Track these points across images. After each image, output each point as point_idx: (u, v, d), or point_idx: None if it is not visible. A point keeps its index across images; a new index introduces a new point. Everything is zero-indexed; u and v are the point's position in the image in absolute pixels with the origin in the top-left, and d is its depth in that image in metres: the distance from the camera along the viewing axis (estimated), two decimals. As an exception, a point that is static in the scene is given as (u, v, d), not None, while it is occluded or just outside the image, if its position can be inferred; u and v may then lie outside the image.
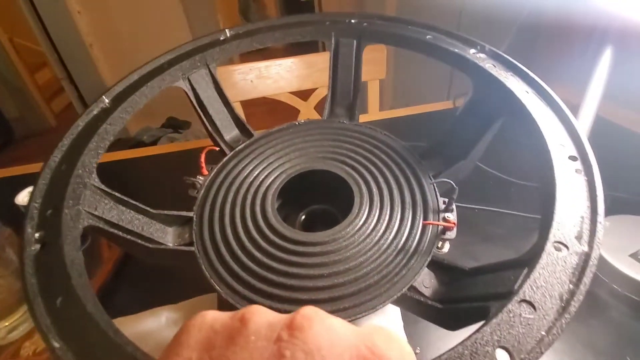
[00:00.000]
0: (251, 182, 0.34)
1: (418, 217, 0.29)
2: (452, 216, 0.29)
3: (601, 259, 0.36)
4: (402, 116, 0.72)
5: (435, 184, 0.31)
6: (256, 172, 0.35)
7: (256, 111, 1.03)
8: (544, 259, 0.17)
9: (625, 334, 0.34)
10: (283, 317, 0.13)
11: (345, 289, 0.26)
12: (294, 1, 3.17)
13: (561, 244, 0.18)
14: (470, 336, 0.15)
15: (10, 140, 2.46)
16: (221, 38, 0.38)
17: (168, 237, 0.31)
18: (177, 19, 1.62)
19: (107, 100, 0.31)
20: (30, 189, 0.39)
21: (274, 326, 0.13)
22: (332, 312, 0.19)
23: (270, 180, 0.34)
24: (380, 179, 0.32)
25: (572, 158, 0.22)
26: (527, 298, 0.16)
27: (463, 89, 0.40)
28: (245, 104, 0.81)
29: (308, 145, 0.38)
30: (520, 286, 0.16)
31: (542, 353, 0.15)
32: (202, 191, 0.34)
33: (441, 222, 0.28)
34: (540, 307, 0.16)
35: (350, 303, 0.25)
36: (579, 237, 0.18)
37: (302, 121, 0.40)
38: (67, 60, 1.62)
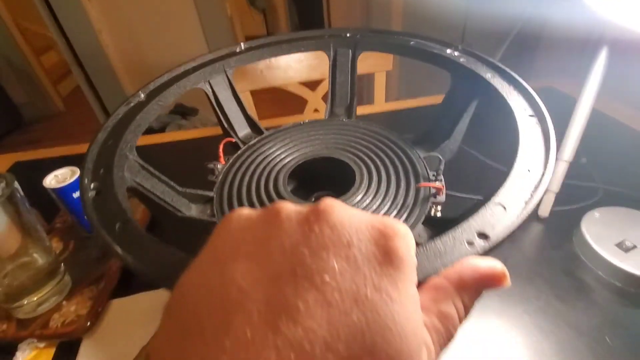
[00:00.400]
0: (264, 168, 0.39)
1: (412, 183, 0.33)
2: (440, 183, 0.33)
3: (588, 247, 0.39)
4: (406, 108, 0.76)
5: (425, 160, 0.36)
6: (268, 160, 0.40)
7: (265, 98, 1.04)
8: (512, 179, 0.22)
9: (607, 317, 0.36)
10: (308, 205, 0.16)
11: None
12: None
13: (525, 169, 0.23)
14: (458, 225, 0.19)
15: (19, 124, 2.49)
16: (237, 50, 0.44)
17: (192, 212, 0.35)
18: (185, 5, 1.65)
19: (142, 95, 0.37)
20: (56, 172, 0.44)
21: (302, 212, 0.16)
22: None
23: (280, 166, 0.39)
24: (378, 161, 0.37)
25: (531, 115, 0.27)
26: (500, 202, 0.21)
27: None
28: (254, 92, 0.82)
29: (312, 139, 0.43)
30: (495, 194, 0.21)
31: (509, 237, 0.19)
32: (220, 176, 0.38)
33: (431, 184, 0.32)
34: (509, 207, 0.20)
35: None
36: (537, 165, 0.23)
37: (306, 121, 0.45)
38: (75, 46, 1.61)
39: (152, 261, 0.20)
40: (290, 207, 0.16)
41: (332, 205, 0.15)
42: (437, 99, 0.76)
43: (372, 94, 0.87)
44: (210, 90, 0.42)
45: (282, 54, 0.46)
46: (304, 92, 0.87)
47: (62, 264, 0.42)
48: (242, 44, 0.45)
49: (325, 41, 0.45)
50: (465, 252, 0.18)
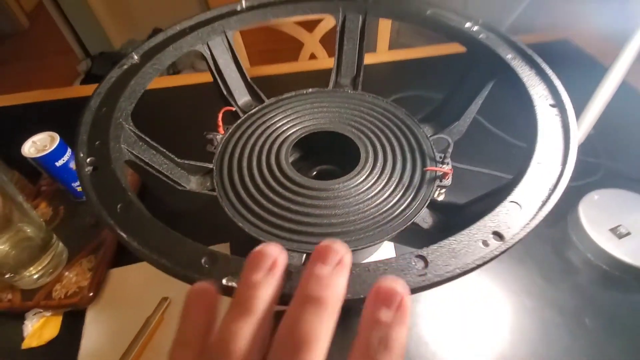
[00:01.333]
0: (265, 139, 0.37)
1: (419, 166, 0.33)
2: (447, 167, 0.33)
3: (582, 230, 0.40)
4: (410, 59, 0.71)
5: (432, 142, 0.35)
6: (270, 131, 0.38)
7: (255, 39, 0.91)
8: (529, 175, 0.21)
9: (589, 298, 0.37)
10: None
11: (356, 224, 0.29)
12: None
13: (541, 164, 0.22)
14: (474, 224, 0.19)
15: None
16: (237, 8, 0.41)
17: (192, 184, 0.34)
18: None
19: (136, 57, 0.34)
20: (34, 138, 0.41)
21: None
22: (345, 242, 0.22)
23: (282, 138, 0.37)
24: (384, 139, 0.36)
25: (552, 105, 0.26)
26: (516, 200, 0.20)
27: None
28: (245, 33, 0.73)
29: (316, 110, 0.41)
30: (511, 192, 0.20)
31: (524, 235, 0.19)
32: (220, 147, 0.37)
33: (439, 168, 0.31)
34: (525, 206, 0.20)
35: (361, 235, 0.29)
36: (556, 159, 0.22)
37: (310, 90, 0.43)
38: None
39: (158, 247, 0.19)
40: None
41: None
42: (450, 48, 0.70)
43: (374, 40, 0.78)
44: (208, 53, 0.39)
45: (286, 15, 0.43)
46: (300, 34, 0.79)
47: (54, 235, 0.41)
48: (243, 2, 0.41)
49: (334, 4, 0.42)
50: (480, 253, 0.18)
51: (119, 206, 0.21)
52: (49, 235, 0.40)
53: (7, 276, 0.38)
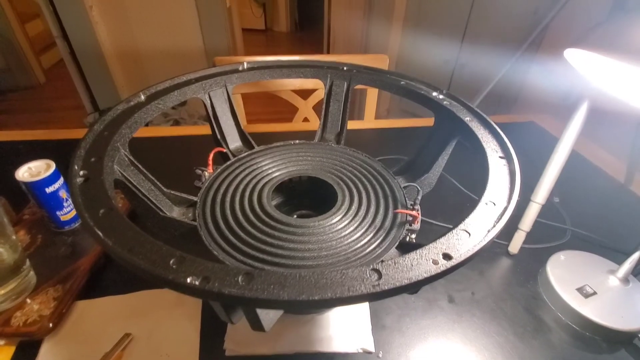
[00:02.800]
0: (251, 179, 0.40)
1: (391, 210, 0.35)
2: (415, 211, 0.35)
3: (551, 288, 0.41)
4: (394, 127, 0.80)
5: (404, 190, 0.38)
6: (255, 173, 0.41)
7: (255, 99, 1.01)
8: (478, 210, 0.24)
9: (560, 357, 0.37)
10: None
11: (328, 259, 0.31)
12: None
13: (491, 202, 0.25)
14: (426, 246, 0.21)
15: None
16: (239, 68, 0.47)
17: (174, 213, 0.36)
18: None
19: (143, 97, 0.38)
20: (30, 164, 0.43)
21: None
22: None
23: (267, 179, 0.40)
24: (360, 186, 0.39)
25: (501, 157, 0.30)
26: (466, 228, 0.22)
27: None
28: (247, 101, 0.84)
29: (301, 158, 0.44)
30: (462, 221, 0.23)
31: (469, 258, 0.20)
32: (207, 183, 0.39)
33: (408, 211, 0.34)
34: (473, 234, 0.22)
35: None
36: (502, 197, 0.25)
37: (297, 141, 0.47)
38: (63, 19, 1.56)
39: (132, 248, 0.20)
40: None
41: None
42: (424, 121, 0.81)
43: (363, 108, 0.89)
44: (209, 101, 0.44)
45: (281, 77, 0.49)
46: (296, 100, 0.89)
47: (28, 260, 0.41)
48: (245, 63, 0.47)
49: (324, 71, 0.48)
50: (430, 269, 0.20)
51: (101, 211, 0.23)
52: (22, 259, 0.40)
53: (-34, 298, 0.36)
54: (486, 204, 0.25)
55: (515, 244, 0.47)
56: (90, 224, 0.21)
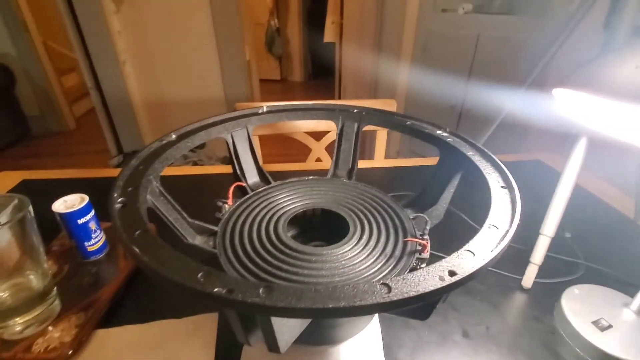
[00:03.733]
0: (267, 211, 0.42)
1: (400, 240, 0.37)
2: (425, 241, 0.37)
3: (567, 323, 0.40)
4: (403, 166, 0.83)
5: (413, 221, 0.40)
6: (272, 205, 0.44)
7: (270, 140, 1.09)
8: (482, 233, 0.26)
9: None
10: None
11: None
12: (315, 40, 3.50)
13: (494, 226, 0.27)
14: (432, 264, 0.23)
15: (25, 136, 2.52)
16: (259, 112, 0.52)
17: (196, 241, 0.38)
18: (207, 46, 1.78)
19: (174, 136, 0.42)
20: (66, 197, 0.47)
21: None
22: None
23: (283, 211, 0.43)
24: (371, 217, 0.41)
25: (503, 187, 0.32)
26: (470, 249, 0.24)
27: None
28: (264, 143, 0.90)
29: (314, 193, 0.47)
30: (467, 241, 0.24)
31: (473, 275, 0.22)
32: (226, 215, 0.42)
33: (417, 239, 0.35)
34: (477, 254, 0.24)
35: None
36: (503, 222, 0.27)
37: (311, 177, 0.50)
38: (99, 72, 1.73)
39: (164, 263, 0.23)
40: None
41: None
42: (432, 160, 0.84)
43: (373, 149, 0.93)
44: (231, 141, 0.48)
45: (297, 119, 0.53)
46: (309, 141, 0.94)
47: (55, 289, 0.43)
48: (264, 107, 0.52)
49: (336, 113, 0.53)
50: (436, 284, 0.21)
51: (136, 232, 0.25)
52: (50, 286, 0.42)
53: (-4, 323, 0.38)
54: (489, 227, 0.27)
55: (529, 278, 0.47)
56: (128, 242, 0.24)
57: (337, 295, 0.20)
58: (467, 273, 0.22)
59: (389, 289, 0.21)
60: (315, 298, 0.20)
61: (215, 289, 0.21)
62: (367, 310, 0.20)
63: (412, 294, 0.20)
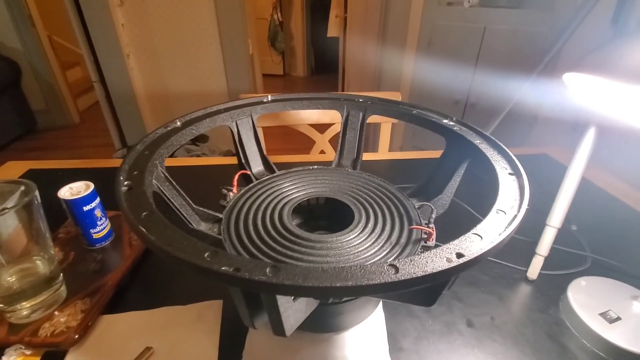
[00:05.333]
0: (272, 200, 0.42)
1: (406, 228, 0.36)
2: (430, 229, 0.37)
3: (574, 314, 0.40)
4: (407, 159, 0.83)
5: (418, 210, 0.40)
6: (276, 194, 0.43)
7: (274, 131, 1.10)
8: (490, 217, 0.26)
9: None
10: None
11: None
12: (318, 34, 3.52)
13: (501, 211, 0.26)
14: (442, 246, 0.22)
15: (32, 129, 2.58)
16: (264, 100, 0.51)
17: (201, 227, 0.38)
18: (211, 40, 1.80)
19: (179, 123, 0.42)
20: (72, 184, 0.47)
21: None
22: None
23: (287, 200, 0.43)
24: (376, 206, 0.41)
25: (510, 174, 0.32)
26: (477, 232, 0.24)
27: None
28: (267, 137, 0.90)
29: (319, 182, 0.47)
30: (474, 226, 0.24)
31: (481, 257, 0.22)
32: (231, 202, 0.42)
33: (423, 227, 0.35)
34: (485, 237, 0.23)
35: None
36: (511, 207, 0.26)
37: (315, 166, 0.50)
38: (103, 66, 1.75)
39: (171, 243, 0.23)
40: None
41: None
42: (436, 153, 0.84)
43: (377, 142, 0.94)
44: (236, 129, 0.48)
45: (302, 108, 0.53)
46: (313, 134, 0.94)
47: (61, 275, 0.44)
48: (269, 96, 0.52)
49: (341, 103, 0.53)
50: (443, 265, 0.21)
51: (143, 214, 0.25)
52: (56, 272, 0.42)
53: (3, 307, 0.38)
54: (497, 212, 0.26)
55: (534, 270, 0.47)
56: (135, 222, 0.24)
57: (345, 275, 0.20)
58: (474, 255, 0.21)
59: (397, 269, 0.21)
60: (322, 277, 0.20)
61: (223, 268, 0.21)
62: (374, 289, 0.20)
63: (420, 274, 0.20)
